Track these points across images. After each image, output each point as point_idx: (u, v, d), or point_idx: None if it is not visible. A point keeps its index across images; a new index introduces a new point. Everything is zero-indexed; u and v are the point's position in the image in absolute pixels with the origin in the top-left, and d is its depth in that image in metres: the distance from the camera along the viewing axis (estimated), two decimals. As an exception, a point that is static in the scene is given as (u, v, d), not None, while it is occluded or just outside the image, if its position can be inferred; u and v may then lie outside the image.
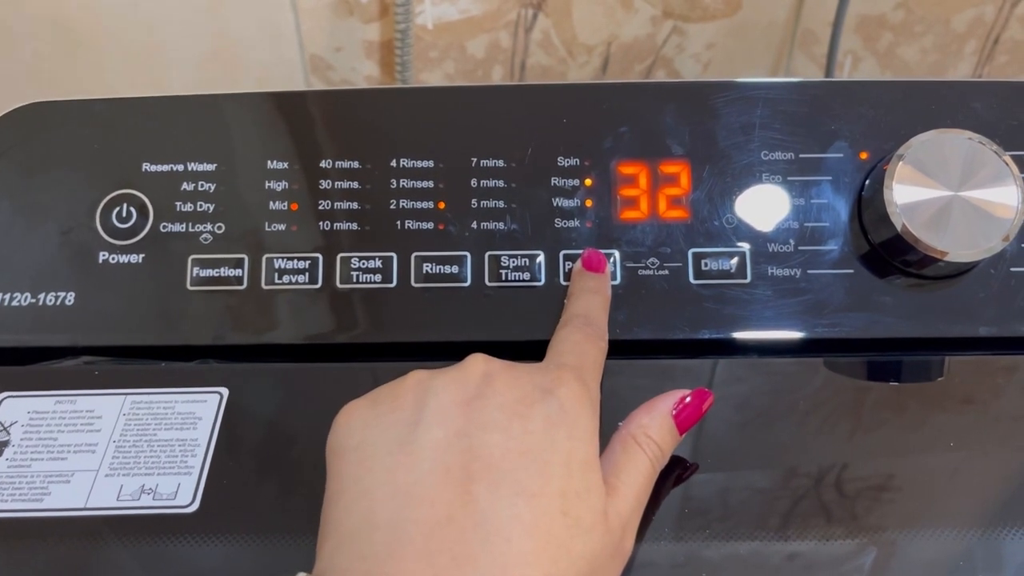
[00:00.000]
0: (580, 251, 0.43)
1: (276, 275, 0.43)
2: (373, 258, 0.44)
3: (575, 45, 0.72)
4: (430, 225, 0.44)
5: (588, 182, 0.44)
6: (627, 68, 0.74)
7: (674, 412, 0.35)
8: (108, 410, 0.40)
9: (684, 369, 0.43)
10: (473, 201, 0.44)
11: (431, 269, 0.43)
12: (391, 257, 0.44)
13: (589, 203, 0.44)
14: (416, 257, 0.44)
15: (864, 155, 0.44)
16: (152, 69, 0.69)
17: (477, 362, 0.33)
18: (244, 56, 0.69)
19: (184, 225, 0.44)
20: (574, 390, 0.33)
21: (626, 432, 0.34)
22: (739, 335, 0.43)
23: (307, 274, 0.43)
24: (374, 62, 0.72)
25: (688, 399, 0.35)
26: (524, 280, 0.43)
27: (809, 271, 0.43)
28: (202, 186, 0.45)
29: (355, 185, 0.45)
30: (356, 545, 0.28)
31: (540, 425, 0.31)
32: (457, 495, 0.28)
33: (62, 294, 0.44)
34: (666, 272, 0.43)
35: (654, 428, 0.34)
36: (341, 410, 0.33)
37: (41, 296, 0.43)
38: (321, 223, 0.44)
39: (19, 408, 0.40)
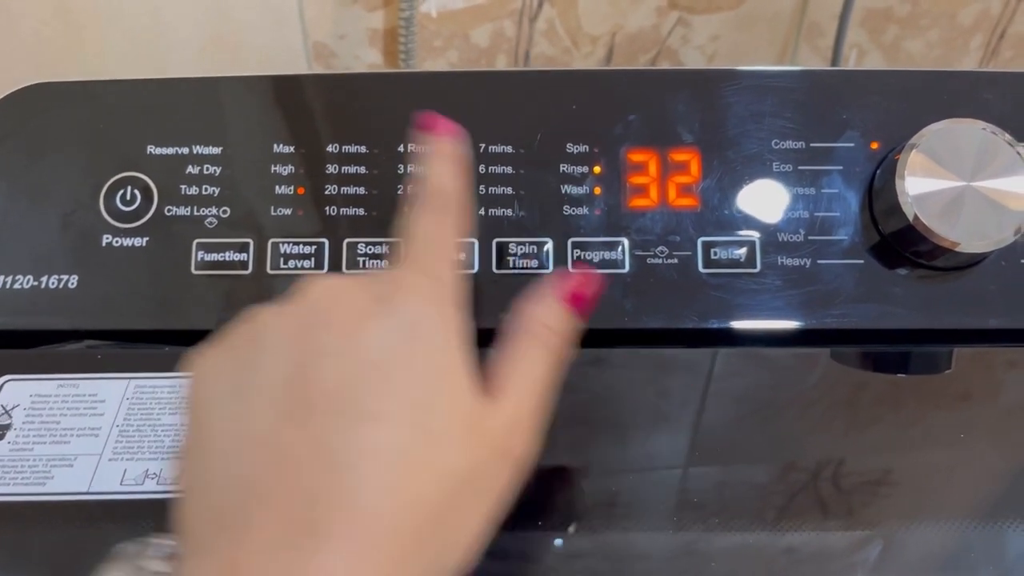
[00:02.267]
0: (590, 239, 0.43)
1: (281, 260, 0.43)
2: (380, 243, 0.43)
3: (580, 35, 0.72)
4: (437, 211, 0.44)
5: (597, 169, 0.44)
6: (631, 59, 0.74)
7: (565, 294, 0.32)
8: (111, 394, 0.40)
9: (691, 359, 0.43)
10: (481, 187, 0.44)
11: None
12: (398, 243, 0.43)
13: (598, 190, 0.44)
14: (423, 243, 0.43)
15: (875, 145, 0.44)
16: (154, 53, 0.69)
17: (310, 285, 0.30)
18: (247, 42, 0.69)
19: (189, 208, 0.44)
20: (416, 291, 0.29)
21: (517, 326, 0.31)
22: (748, 325, 0.43)
23: (312, 259, 0.43)
24: (377, 50, 0.71)
25: (574, 280, 0.33)
26: (532, 267, 0.43)
27: (819, 261, 0.43)
28: (207, 169, 0.44)
29: (362, 170, 0.44)
30: (205, 504, 0.26)
31: (379, 341, 0.28)
32: (298, 433, 0.26)
33: (65, 277, 0.43)
34: (675, 261, 0.43)
35: (546, 314, 0.32)
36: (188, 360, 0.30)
37: (44, 279, 0.43)
38: (327, 208, 0.44)
39: (21, 391, 0.40)
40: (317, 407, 0.27)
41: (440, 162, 0.34)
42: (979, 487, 0.38)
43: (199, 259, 0.43)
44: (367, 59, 0.72)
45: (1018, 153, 0.41)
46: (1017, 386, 0.42)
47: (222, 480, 0.26)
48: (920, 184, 0.41)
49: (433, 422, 0.27)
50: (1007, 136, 0.41)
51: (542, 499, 0.39)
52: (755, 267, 0.43)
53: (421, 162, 0.34)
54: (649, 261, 0.43)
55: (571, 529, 0.38)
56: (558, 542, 0.38)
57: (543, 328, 0.31)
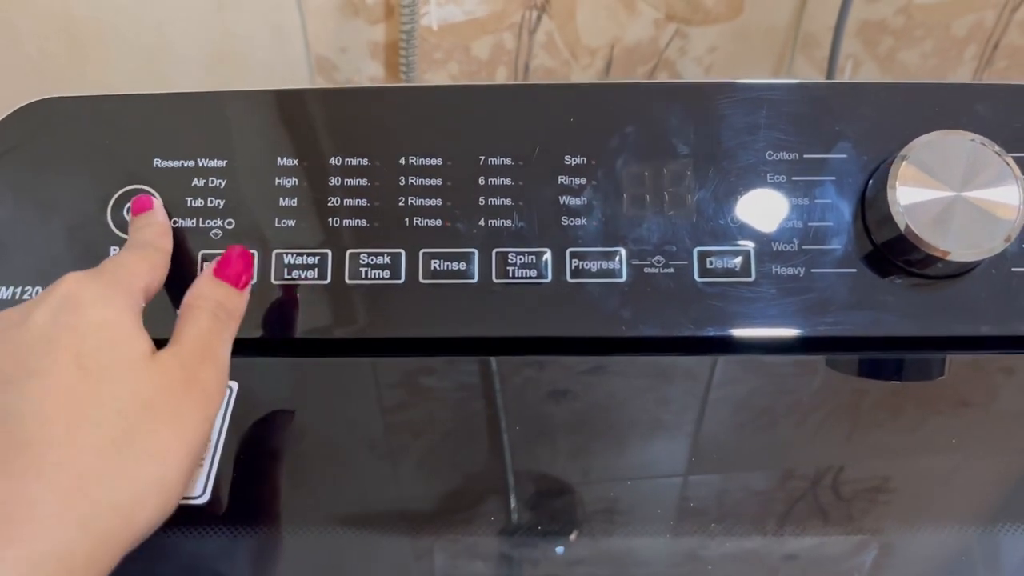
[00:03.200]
0: (587, 249, 0.44)
1: (285, 270, 0.44)
2: (382, 254, 0.44)
3: (578, 47, 0.73)
4: (438, 222, 0.44)
5: (594, 181, 0.45)
6: (630, 70, 0.75)
7: (216, 270, 0.39)
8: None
9: (688, 366, 0.43)
10: (481, 199, 0.45)
11: (439, 266, 0.44)
12: (399, 253, 0.44)
13: (595, 201, 0.45)
14: (424, 254, 0.44)
15: (867, 156, 0.45)
16: (158, 68, 0.70)
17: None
18: (250, 56, 0.70)
19: (194, 220, 0.45)
20: (72, 281, 0.34)
21: (181, 304, 0.37)
22: (743, 333, 0.43)
23: (316, 269, 0.44)
24: (379, 63, 0.72)
25: (226, 256, 0.40)
26: (531, 277, 0.44)
27: (813, 270, 0.44)
28: (212, 182, 0.45)
29: (364, 182, 0.45)
30: None
31: (42, 319, 0.33)
32: None
33: (72, 288, 0.44)
34: (671, 270, 0.44)
35: (203, 288, 0.38)
36: None
37: (52, 290, 0.44)
38: (330, 219, 0.44)
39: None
40: None
41: (147, 229, 0.42)
42: (978, 493, 0.39)
43: (204, 270, 0.44)
44: (369, 72, 0.73)
45: (1007, 163, 0.41)
46: (1014, 393, 0.42)
47: None
48: (911, 194, 0.41)
49: (99, 364, 0.32)
50: (996, 147, 0.42)
51: (544, 506, 0.39)
52: (750, 276, 0.44)
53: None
54: (646, 271, 0.44)
55: (572, 536, 0.38)
56: (559, 549, 0.38)
57: (199, 299, 0.37)
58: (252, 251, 0.43)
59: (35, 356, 0.32)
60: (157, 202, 0.44)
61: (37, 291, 0.44)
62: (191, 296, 0.38)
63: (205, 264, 0.43)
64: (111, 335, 0.33)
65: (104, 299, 0.34)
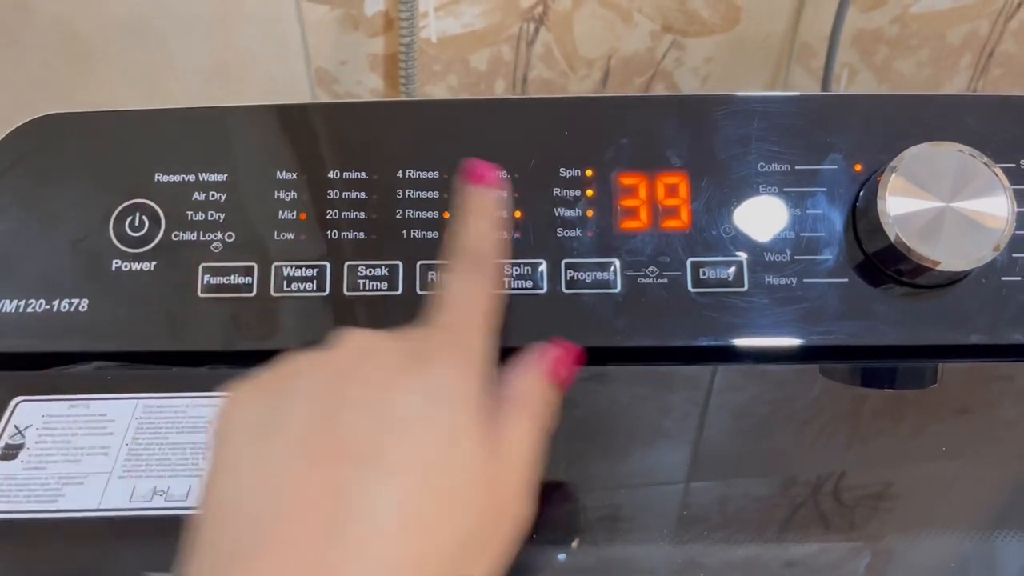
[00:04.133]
0: (583, 260, 0.44)
1: (285, 283, 0.44)
2: (380, 266, 0.44)
3: (576, 58, 0.73)
4: (435, 234, 0.45)
5: (589, 193, 0.45)
6: (627, 81, 0.76)
7: (548, 372, 0.34)
8: (121, 414, 0.41)
9: (682, 376, 0.44)
10: (477, 211, 0.45)
11: (436, 277, 0.44)
12: (397, 265, 0.45)
13: (590, 213, 0.45)
14: (422, 265, 0.44)
15: (858, 167, 0.45)
16: (159, 82, 0.70)
17: (347, 337, 0.32)
18: (251, 69, 0.70)
19: (195, 234, 0.45)
20: (449, 353, 0.31)
21: (505, 397, 0.33)
22: (737, 342, 0.44)
23: (315, 282, 0.44)
24: (379, 75, 0.73)
25: (556, 355, 0.35)
26: (527, 288, 0.44)
27: (805, 280, 0.44)
28: (213, 196, 0.46)
29: (362, 195, 0.46)
30: (219, 539, 0.27)
31: (408, 398, 0.29)
32: (320, 480, 0.27)
33: (75, 301, 0.44)
34: (665, 281, 0.44)
35: (530, 389, 0.33)
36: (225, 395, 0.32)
37: (55, 303, 0.44)
38: (329, 232, 0.45)
39: (34, 412, 0.41)
40: (339, 455, 0.28)
41: (476, 219, 0.36)
42: (979, 500, 0.39)
43: (205, 282, 0.44)
44: (368, 84, 0.73)
45: (995, 174, 0.42)
46: (1013, 400, 0.42)
47: (239, 514, 0.27)
48: (901, 205, 0.42)
49: (446, 483, 0.28)
50: (984, 158, 0.42)
51: (544, 514, 0.40)
52: (743, 286, 0.44)
53: (458, 216, 0.36)
54: (640, 281, 0.44)
55: (574, 544, 0.39)
56: (561, 556, 0.38)
57: (527, 400, 0.33)
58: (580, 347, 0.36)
59: (391, 449, 0.28)
60: (496, 172, 0.37)
61: (41, 304, 0.44)
62: (517, 393, 0.33)
63: (529, 356, 0.35)
64: (466, 449, 0.29)
65: (466, 402, 0.30)
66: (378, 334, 0.32)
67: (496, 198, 0.37)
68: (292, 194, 0.46)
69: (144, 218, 0.45)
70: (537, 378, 0.34)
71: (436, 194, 0.45)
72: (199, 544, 0.28)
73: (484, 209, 0.36)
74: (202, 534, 0.28)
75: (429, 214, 0.45)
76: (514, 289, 0.44)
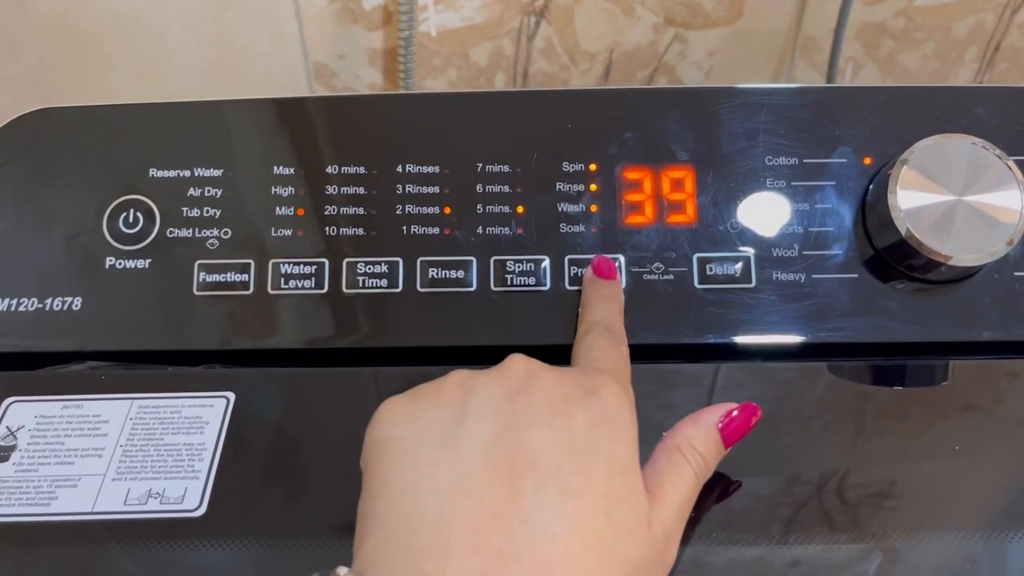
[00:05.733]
0: (586, 256, 0.44)
1: (282, 280, 0.44)
2: (379, 263, 0.44)
3: (577, 52, 0.73)
4: (436, 230, 0.44)
5: (593, 187, 0.45)
6: (629, 75, 0.75)
7: (720, 425, 0.35)
8: (115, 414, 0.40)
9: (688, 374, 0.43)
10: (479, 206, 0.44)
11: (437, 274, 0.44)
12: (397, 262, 0.44)
13: (594, 208, 0.44)
14: (422, 262, 0.44)
15: (868, 160, 0.44)
16: (157, 76, 0.70)
17: (518, 360, 0.33)
18: (248, 63, 0.69)
19: (191, 230, 0.44)
20: (615, 392, 0.32)
21: (671, 443, 0.34)
22: (744, 339, 0.43)
23: (313, 279, 0.44)
24: (377, 69, 0.72)
25: (735, 413, 0.35)
26: (530, 285, 0.43)
27: (813, 275, 0.43)
28: (209, 191, 0.45)
29: (361, 191, 0.45)
30: (401, 540, 0.28)
31: (583, 423, 0.31)
32: (503, 491, 0.28)
33: (69, 299, 0.44)
34: (671, 277, 0.44)
35: (699, 440, 0.34)
36: (381, 405, 0.33)
37: (48, 301, 0.44)
38: (327, 228, 0.44)
39: (26, 413, 0.40)
40: (523, 471, 0.29)
41: (608, 304, 0.41)
42: (985, 499, 0.38)
43: (201, 280, 0.44)
44: (367, 78, 0.73)
45: (1008, 167, 0.41)
46: (1020, 397, 0.42)
47: (421, 521, 0.28)
48: (912, 198, 0.41)
49: (620, 513, 0.29)
50: (997, 150, 0.41)
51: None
52: (750, 282, 0.43)
53: (588, 300, 0.42)
54: (645, 277, 0.44)
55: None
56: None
57: (692, 451, 0.34)
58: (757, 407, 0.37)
59: (573, 472, 0.29)
60: (616, 269, 0.43)
61: (34, 303, 0.44)
62: (684, 441, 0.34)
63: (697, 411, 0.36)
64: (634, 484, 0.31)
65: (631, 432, 0.32)
66: (541, 363, 0.34)
67: (619, 287, 0.43)
68: (290, 189, 0.45)
69: (138, 214, 0.45)
70: (707, 429, 0.35)
71: (436, 189, 0.45)
72: (376, 552, 0.28)
73: (612, 296, 0.41)
74: (375, 540, 0.29)
75: (429, 210, 0.44)
76: (517, 286, 0.43)
